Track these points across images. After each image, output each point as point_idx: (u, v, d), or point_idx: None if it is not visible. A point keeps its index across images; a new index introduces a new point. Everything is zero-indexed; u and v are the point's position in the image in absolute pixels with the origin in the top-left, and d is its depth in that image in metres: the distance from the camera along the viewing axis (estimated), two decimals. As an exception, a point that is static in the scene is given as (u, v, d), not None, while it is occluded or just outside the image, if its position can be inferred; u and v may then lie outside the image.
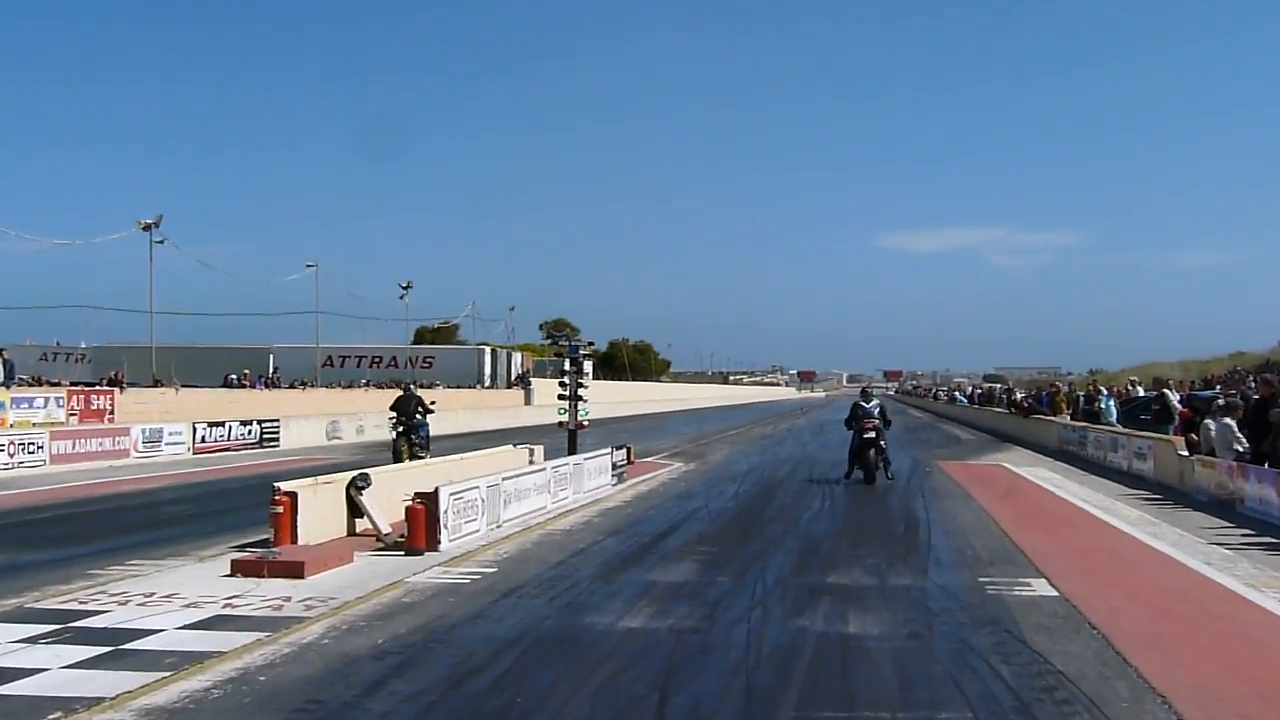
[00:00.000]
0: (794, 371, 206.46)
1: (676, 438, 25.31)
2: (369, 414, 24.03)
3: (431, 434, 11.87)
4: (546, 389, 35.72)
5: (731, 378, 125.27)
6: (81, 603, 5.38)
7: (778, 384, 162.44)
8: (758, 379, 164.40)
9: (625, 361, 74.20)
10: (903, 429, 29.35)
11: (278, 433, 19.26)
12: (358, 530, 7.92)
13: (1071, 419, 18.59)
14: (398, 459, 11.41)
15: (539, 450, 12.89)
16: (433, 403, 12.68)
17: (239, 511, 9.60)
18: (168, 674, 4.06)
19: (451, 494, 7.64)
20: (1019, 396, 25.37)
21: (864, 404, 12.02)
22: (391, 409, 12.25)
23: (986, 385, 40.40)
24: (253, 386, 26.18)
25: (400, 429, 12.06)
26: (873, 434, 11.47)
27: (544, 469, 10.18)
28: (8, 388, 15.49)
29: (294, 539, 7.15)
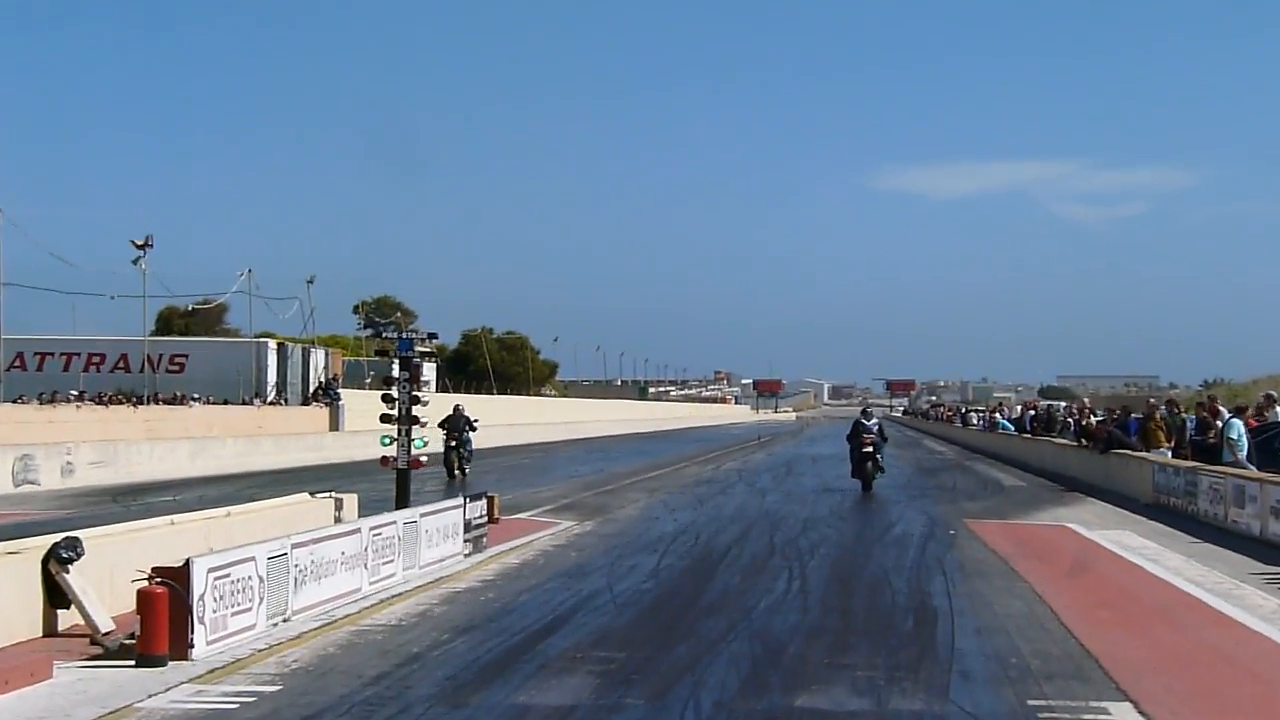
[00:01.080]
0: (748, 381, 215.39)
1: (567, 481, 25.67)
2: (84, 445, 24.10)
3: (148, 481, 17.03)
4: (364, 405, 35.43)
5: (653, 390, 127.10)
6: None
7: (723, 399, 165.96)
8: (694, 392, 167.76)
9: (487, 364, 73.93)
10: (913, 469, 31.00)
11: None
12: (61, 628, 7.64)
13: (1174, 455, 18.36)
14: (449, 468, 22.16)
15: (350, 502, 13.11)
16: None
17: None
18: None
19: (212, 570, 7.38)
20: (1093, 420, 24.04)
21: (864, 421, 22.21)
22: (441, 425, 22.75)
23: (1044, 404, 41.68)
24: None
25: (452, 443, 22.84)
26: (870, 448, 21.47)
27: (358, 530, 10.25)
28: None
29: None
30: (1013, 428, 36.62)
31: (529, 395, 71.92)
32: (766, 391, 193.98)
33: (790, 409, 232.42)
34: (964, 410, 57.42)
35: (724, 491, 22.78)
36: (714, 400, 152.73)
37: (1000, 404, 49.86)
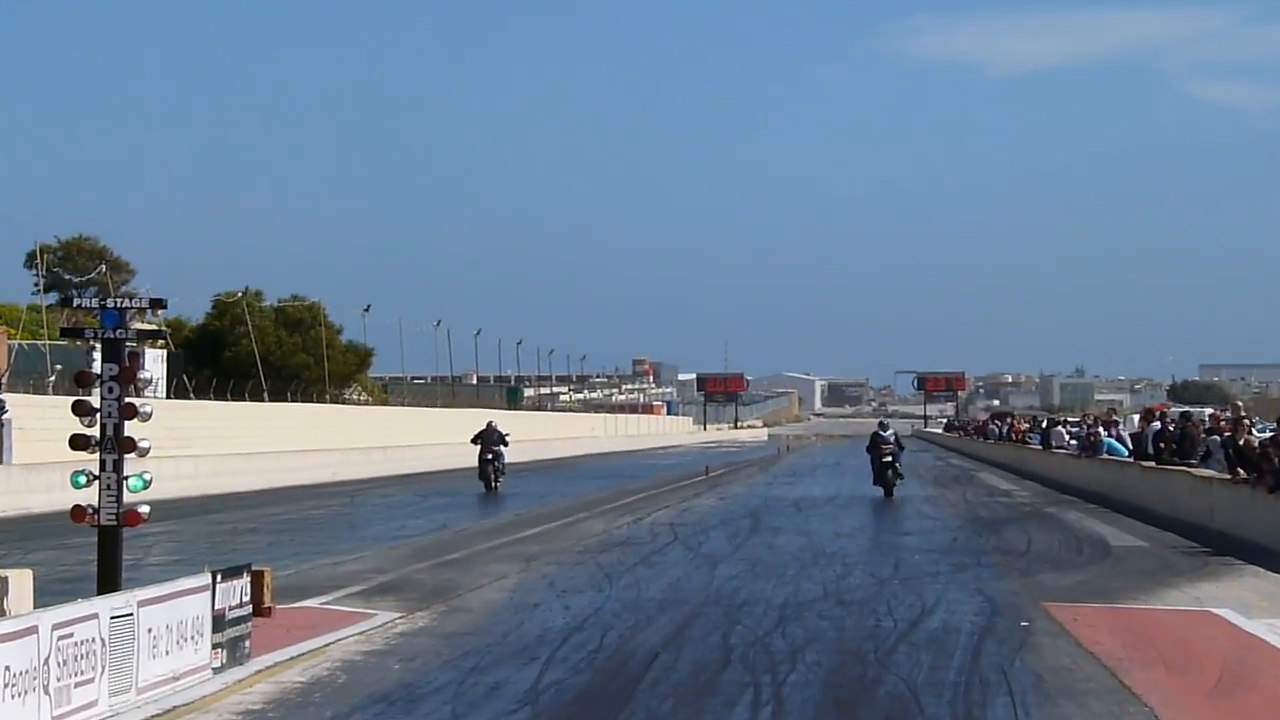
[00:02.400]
0: (689, 377, 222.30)
1: (386, 545, 26.01)
2: None
3: None
4: (45, 420, 35.95)
5: (532, 392, 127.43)
6: None
7: (650, 407, 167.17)
8: (603, 395, 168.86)
9: (253, 350, 73.31)
10: (962, 520, 32.15)
11: None
12: None
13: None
14: (486, 480, 43.18)
15: (21, 583, 13.16)
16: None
17: None
18: None
19: None
20: (1254, 438, 25.67)
21: (882, 433, 40.03)
22: (474, 440, 44.76)
23: (1177, 411, 42.20)
24: None
25: (489, 456, 43.57)
26: (889, 458, 39.27)
27: (33, 631, 10.17)
28: None
29: None
30: (1126, 450, 37.24)
31: (324, 402, 71.37)
32: (718, 393, 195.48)
33: (759, 421, 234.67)
34: (1046, 422, 58.45)
35: (648, 559, 22.88)
36: (634, 409, 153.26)
37: (1109, 411, 50.44)
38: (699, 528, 29.30)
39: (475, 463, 44.95)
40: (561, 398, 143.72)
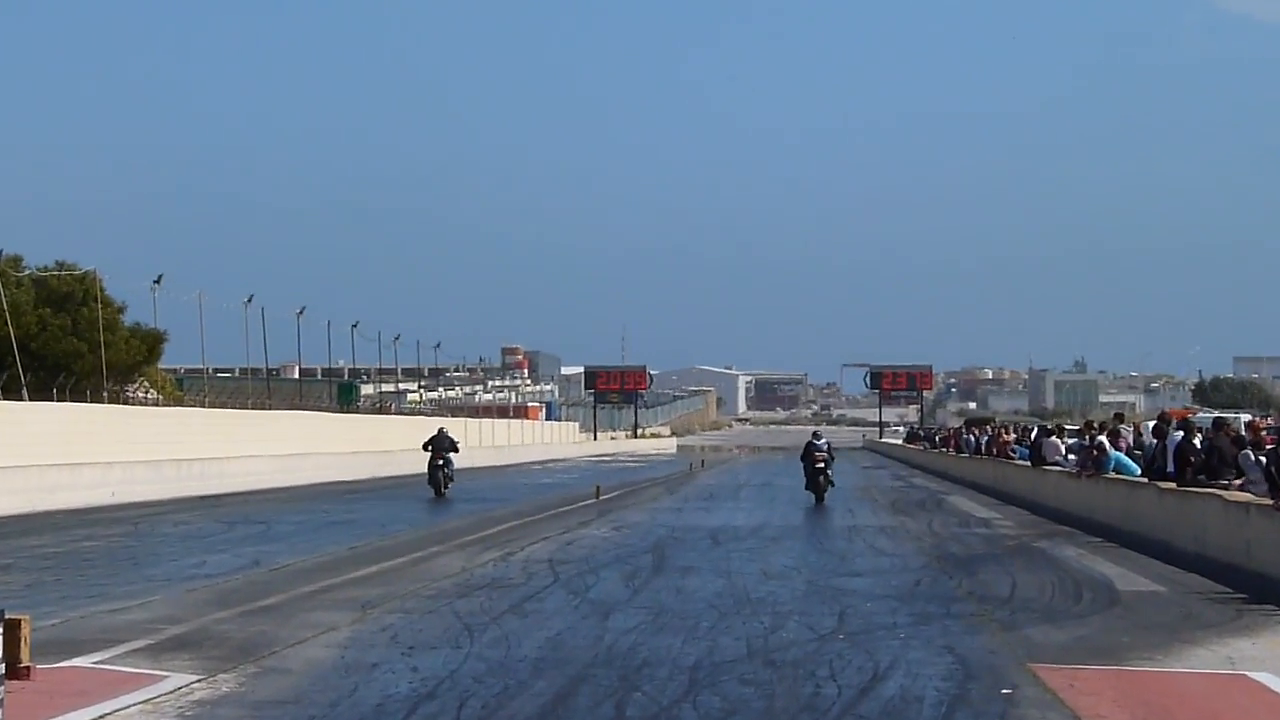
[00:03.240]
0: (574, 371, 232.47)
1: (180, 587, 25.90)
2: None
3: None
4: None
5: (366, 393, 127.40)
6: None
7: (521, 408, 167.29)
8: (465, 393, 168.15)
9: (8, 335, 72.45)
10: (928, 558, 32.52)
11: None
12: None
13: None
14: (436, 486, 58.49)
15: None
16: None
17: None
18: None
19: None
20: None
21: (815, 442, 53.29)
22: (426, 446, 60.48)
23: (1206, 416, 42.65)
24: None
25: (440, 462, 59.07)
26: (822, 464, 52.48)
27: None
28: None
29: None
30: (1138, 468, 37.55)
31: (101, 401, 70.64)
32: (613, 392, 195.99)
33: (665, 428, 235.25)
34: (1036, 431, 58.73)
35: (520, 607, 22.90)
36: (503, 412, 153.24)
37: (1117, 417, 50.67)
38: (586, 566, 29.35)
39: (303, 481, 46.95)
40: (410, 397, 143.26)
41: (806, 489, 53.11)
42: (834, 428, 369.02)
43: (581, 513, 47.11)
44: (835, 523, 42.67)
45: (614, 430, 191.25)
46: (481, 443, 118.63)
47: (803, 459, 53.90)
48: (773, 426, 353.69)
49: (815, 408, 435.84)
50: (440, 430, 61.30)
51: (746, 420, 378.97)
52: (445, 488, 58.42)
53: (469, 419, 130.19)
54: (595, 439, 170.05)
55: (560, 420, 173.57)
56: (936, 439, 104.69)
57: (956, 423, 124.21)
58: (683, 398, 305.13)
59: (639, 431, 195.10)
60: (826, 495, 52.49)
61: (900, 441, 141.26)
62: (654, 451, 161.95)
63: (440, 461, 59.05)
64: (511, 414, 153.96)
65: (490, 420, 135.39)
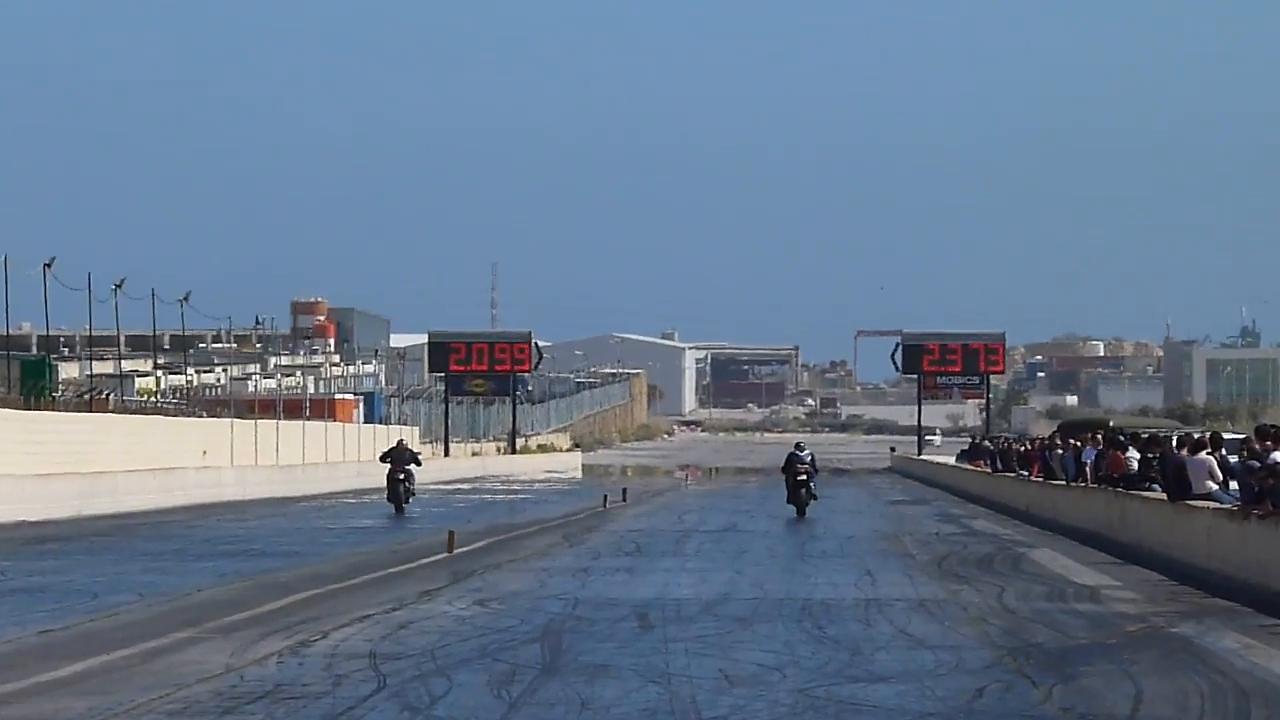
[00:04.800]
0: (411, 340, 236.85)
1: None
2: None
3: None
4: None
5: (68, 377, 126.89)
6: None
7: (327, 401, 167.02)
8: (236, 380, 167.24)
9: None
10: (997, 659, 31.85)
11: None
12: None
13: None
14: (396, 501, 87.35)
15: None
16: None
17: None
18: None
19: None
20: None
21: (799, 453, 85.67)
22: (383, 458, 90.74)
23: None
24: None
25: (400, 476, 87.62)
26: (804, 476, 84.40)
27: None
28: None
29: None
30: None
31: None
32: (475, 376, 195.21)
33: (564, 437, 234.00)
34: (1176, 444, 58.61)
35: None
36: (296, 409, 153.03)
37: None
38: (432, 664, 29.43)
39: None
40: (141, 383, 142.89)
41: (788, 502, 79.93)
42: (842, 436, 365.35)
43: (424, 575, 47.36)
44: (843, 592, 42.80)
45: (479, 439, 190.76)
46: (258, 460, 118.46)
47: (784, 470, 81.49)
48: (740, 435, 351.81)
49: (811, 404, 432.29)
50: (399, 441, 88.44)
51: (698, 424, 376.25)
52: (406, 502, 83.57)
53: (237, 420, 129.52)
54: (447, 454, 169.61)
55: (388, 424, 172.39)
56: (1011, 454, 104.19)
57: (1045, 428, 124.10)
58: (593, 386, 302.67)
59: (521, 441, 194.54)
60: (809, 509, 78.41)
61: (952, 460, 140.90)
62: (545, 474, 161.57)
63: (401, 475, 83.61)
64: (307, 413, 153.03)
65: (271, 422, 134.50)
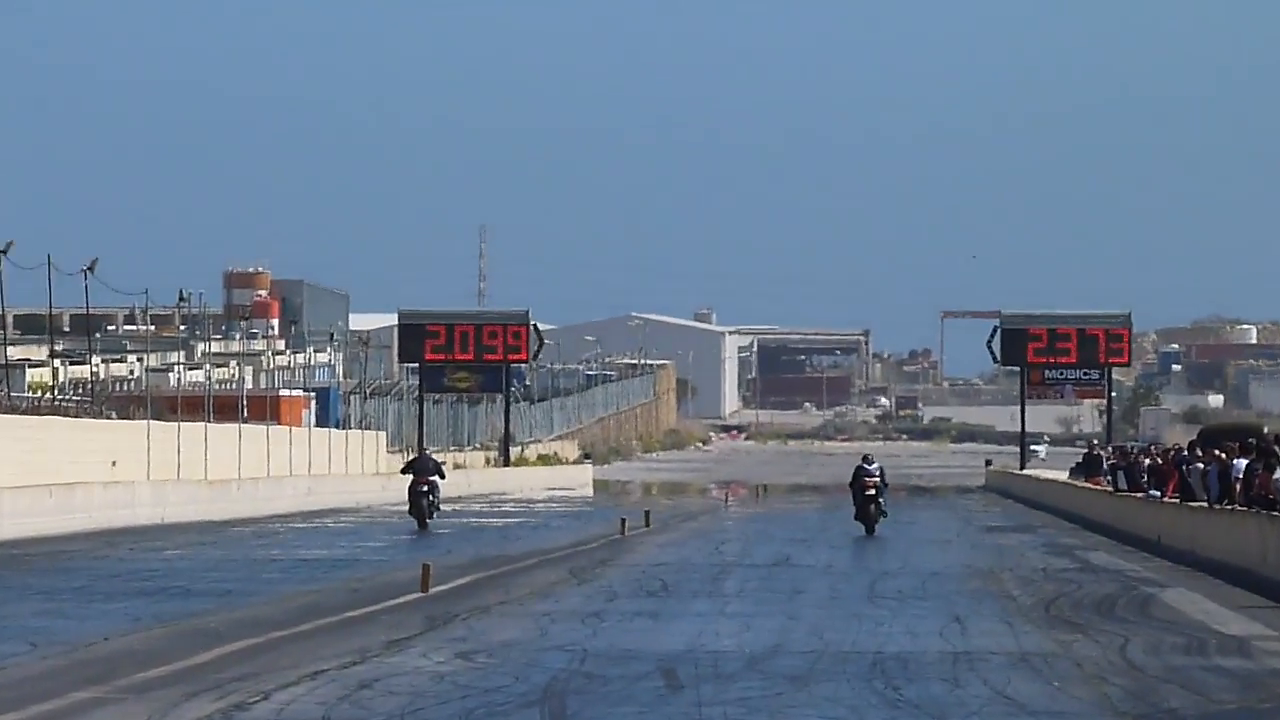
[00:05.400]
0: (379, 322, 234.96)
1: None
2: None
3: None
4: None
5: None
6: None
7: (268, 397, 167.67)
8: (157, 370, 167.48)
9: None
10: None
11: None
12: None
13: None
14: (420, 515, 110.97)
15: None
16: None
17: None
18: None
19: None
20: None
21: (866, 466, 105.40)
22: (406, 470, 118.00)
23: None
24: None
25: (424, 488, 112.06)
26: (873, 491, 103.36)
27: None
28: None
29: None
30: None
31: None
32: (458, 366, 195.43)
33: (572, 444, 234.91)
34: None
35: None
36: (227, 408, 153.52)
37: None
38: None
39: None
40: (34, 374, 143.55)
41: (855, 519, 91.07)
42: (924, 445, 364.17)
43: (392, 620, 47.11)
44: (925, 644, 42.82)
45: (462, 448, 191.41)
46: (182, 474, 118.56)
47: (851, 484, 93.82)
48: (795, 444, 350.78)
49: (885, 404, 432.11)
50: (422, 452, 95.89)
51: (741, 430, 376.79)
52: (430, 517, 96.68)
53: (155, 422, 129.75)
54: (380, 474, 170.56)
55: (346, 427, 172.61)
56: (1138, 469, 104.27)
57: (1182, 435, 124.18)
58: (608, 380, 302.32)
59: (516, 453, 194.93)
60: (878, 526, 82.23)
61: (1063, 476, 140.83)
62: (547, 493, 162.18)
63: (425, 487, 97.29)
64: (244, 414, 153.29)
65: (199, 426, 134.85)
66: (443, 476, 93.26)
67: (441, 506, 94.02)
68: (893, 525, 77.85)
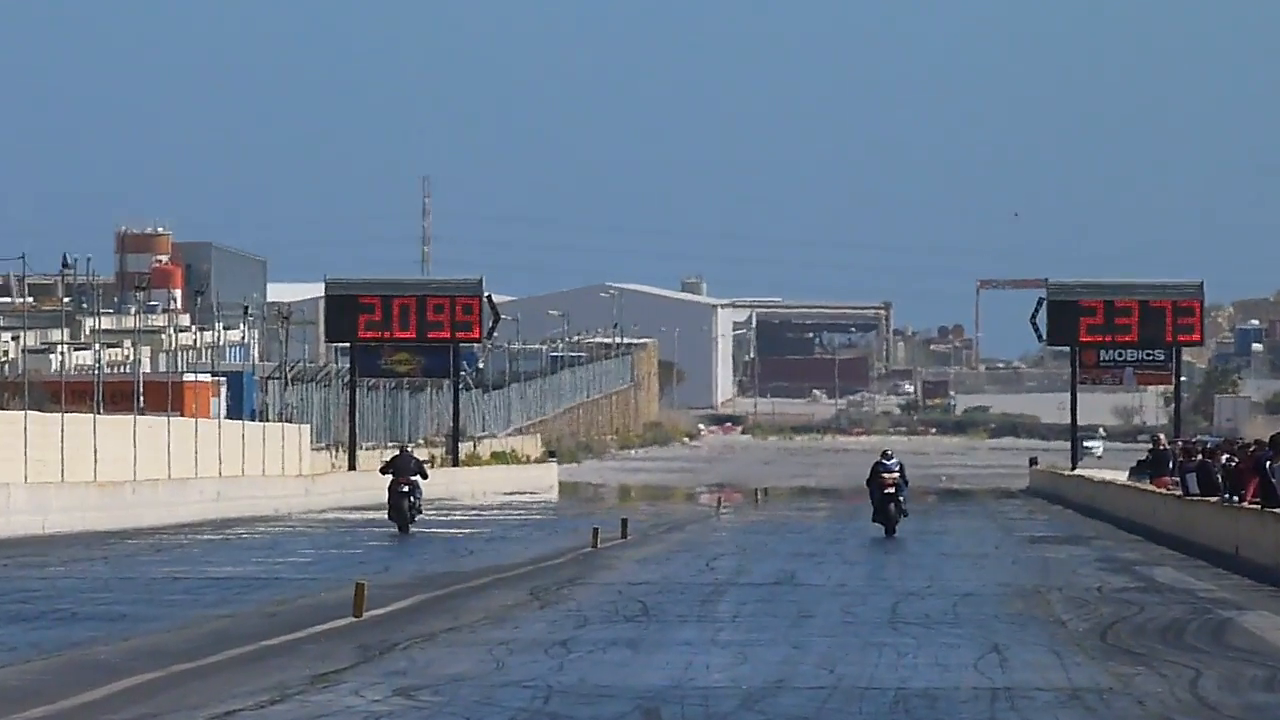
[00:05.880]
0: (304, 293, 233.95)
1: None
2: None
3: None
4: None
5: None
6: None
7: (171, 383, 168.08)
8: (34, 357, 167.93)
9: None
10: None
11: None
12: None
13: None
14: (401, 519, 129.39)
15: None
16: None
17: None
18: None
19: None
20: None
21: (885, 462, 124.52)
22: (385, 469, 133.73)
23: None
24: None
25: (404, 489, 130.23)
26: (892, 489, 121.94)
27: None
28: None
29: None
30: None
31: None
32: (398, 345, 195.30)
33: (533, 440, 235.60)
34: None
35: None
36: (120, 397, 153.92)
37: None
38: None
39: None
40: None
41: (874, 520, 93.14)
42: (957, 440, 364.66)
43: (318, 650, 47.19)
44: (957, 678, 42.87)
45: (403, 441, 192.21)
46: (66, 473, 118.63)
47: (869, 482, 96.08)
48: (802, 439, 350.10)
49: (910, 391, 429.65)
50: (403, 449, 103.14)
51: (737, 421, 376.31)
52: (413, 520, 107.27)
53: (34, 413, 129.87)
54: (353, 466, 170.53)
55: (263, 419, 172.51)
56: (1212, 468, 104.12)
57: (1264, 428, 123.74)
58: (578, 362, 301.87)
59: (467, 449, 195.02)
60: (898, 527, 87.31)
61: (1123, 477, 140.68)
62: (504, 497, 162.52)
63: (406, 488, 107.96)
64: (141, 402, 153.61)
65: (86, 417, 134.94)
66: (425, 476, 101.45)
67: (424, 509, 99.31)
68: (920, 536, 77.25)
